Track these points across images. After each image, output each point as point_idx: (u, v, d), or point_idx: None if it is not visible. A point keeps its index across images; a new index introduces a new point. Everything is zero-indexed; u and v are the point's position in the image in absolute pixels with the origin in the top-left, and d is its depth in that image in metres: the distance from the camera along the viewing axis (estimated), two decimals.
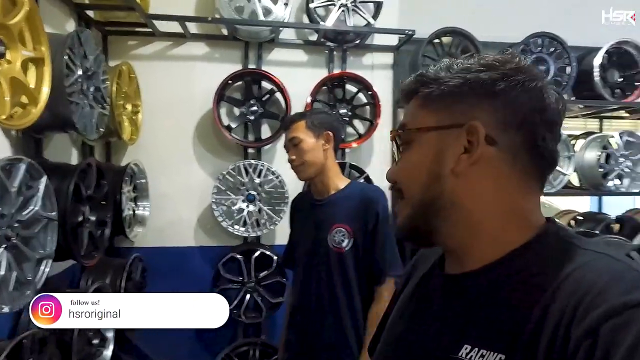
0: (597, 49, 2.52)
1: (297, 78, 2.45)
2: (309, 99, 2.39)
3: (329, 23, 2.36)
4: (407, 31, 2.36)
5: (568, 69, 2.53)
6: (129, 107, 2.15)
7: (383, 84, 2.54)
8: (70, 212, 1.40)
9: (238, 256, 2.33)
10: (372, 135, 2.48)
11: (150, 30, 2.26)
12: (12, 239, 1.19)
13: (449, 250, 0.60)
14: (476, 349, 0.49)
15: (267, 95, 2.40)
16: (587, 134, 2.84)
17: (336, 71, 2.49)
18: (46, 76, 1.30)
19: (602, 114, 3.03)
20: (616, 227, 2.73)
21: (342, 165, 2.35)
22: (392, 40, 2.53)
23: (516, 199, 0.54)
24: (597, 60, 2.49)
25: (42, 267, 1.30)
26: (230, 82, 2.35)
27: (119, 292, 1.86)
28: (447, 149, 0.54)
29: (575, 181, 2.70)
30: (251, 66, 2.44)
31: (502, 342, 0.47)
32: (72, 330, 1.36)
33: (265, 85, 2.43)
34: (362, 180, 2.40)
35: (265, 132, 2.47)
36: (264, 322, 2.39)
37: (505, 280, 0.51)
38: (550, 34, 2.54)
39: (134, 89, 2.22)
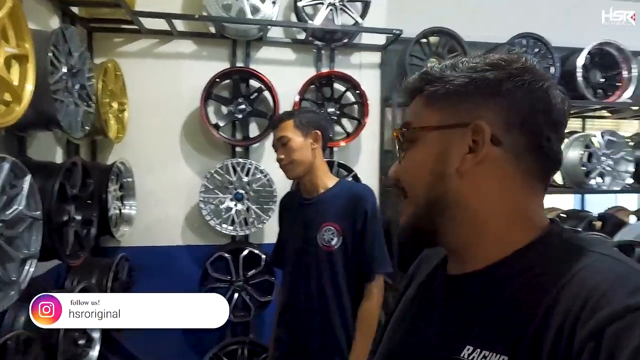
0: (580, 50, 2.57)
1: (285, 76, 2.45)
2: (297, 98, 2.39)
3: (317, 22, 2.37)
4: (394, 31, 2.37)
5: (552, 70, 2.58)
6: (115, 105, 2.13)
7: (371, 83, 2.55)
8: (55, 212, 1.38)
9: (226, 255, 2.33)
10: (360, 134, 2.49)
11: (136, 27, 2.24)
12: None
13: (452, 250, 0.59)
14: (478, 349, 0.49)
15: (255, 94, 2.40)
16: (570, 133, 2.90)
17: (324, 70, 2.50)
18: (30, 73, 1.28)
19: (584, 114, 3.10)
20: (598, 224, 2.80)
21: (331, 164, 2.36)
22: (380, 39, 2.55)
23: (520, 199, 0.53)
24: (580, 61, 2.54)
25: (26, 268, 1.28)
26: (218, 80, 2.34)
27: (106, 292, 1.84)
28: (451, 148, 0.54)
29: (559, 179, 2.75)
30: (239, 64, 2.43)
31: (505, 343, 0.47)
32: (57, 330, 1.34)
33: (253, 83, 2.42)
34: (350, 179, 2.42)
35: (254, 130, 2.46)
36: (253, 321, 2.39)
37: (508, 281, 0.51)
38: (535, 34, 2.58)
39: (120, 86, 2.19)
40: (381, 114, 2.61)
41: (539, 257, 0.51)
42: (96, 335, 1.69)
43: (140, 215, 2.30)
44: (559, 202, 3.40)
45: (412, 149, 0.58)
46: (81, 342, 1.61)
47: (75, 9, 2.02)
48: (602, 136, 2.58)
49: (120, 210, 2.17)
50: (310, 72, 2.48)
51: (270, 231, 2.48)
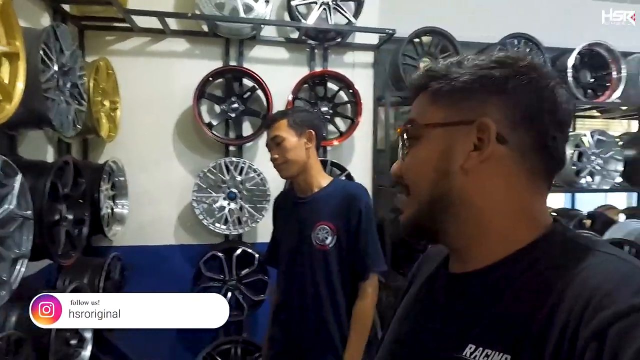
0: (571, 50, 2.60)
1: (279, 75, 2.45)
2: (290, 97, 2.39)
3: (310, 21, 2.37)
4: (387, 30, 2.38)
5: None
6: (107, 103, 2.12)
7: (364, 82, 2.56)
8: (46, 211, 1.37)
9: (219, 254, 2.32)
10: (353, 133, 2.50)
11: (128, 25, 2.23)
12: None
13: (454, 249, 0.59)
14: (480, 348, 0.48)
15: (249, 93, 2.39)
16: None
17: (317, 69, 2.50)
18: (21, 71, 1.27)
19: (574, 113, 3.13)
20: (588, 222, 2.83)
21: (324, 163, 2.36)
22: (373, 39, 2.55)
23: (526, 198, 0.53)
24: (570, 61, 2.57)
25: (17, 267, 1.27)
26: (211, 79, 2.33)
27: (98, 292, 1.83)
28: (456, 146, 0.53)
29: None
30: (232, 63, 2.42)
31: (508, 342, 0.47)
32: (49, 330, 1.33)
33: (247, 82, 2.42)
34: (343, 178, 2.42)
35: (247, 129, 2.46)
36: (246, 320, 2.39)
37: (511, 279, 0.50)
38: (526, 34, 2.61)
39: (112, 85, 2.18)
40: (374, 113, 2.61)
41: (542, 255, 0.50)
42: (88, 335, 1.68)
43: (132, 214, 2.29)
44: (550, 200, 3.44)
45: (416, 146, 0.57)
46: (73, 342, 1.60)
47: (66, 7, 2.00)
48: (592, 136, 2.61)
49: (112, 209, 2.15)
50: (304, 71, 2.49)
51: (263, 230, 2.48)
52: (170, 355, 2.40)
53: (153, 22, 2.25)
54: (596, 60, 2.72)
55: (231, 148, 2.45)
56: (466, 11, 2.78)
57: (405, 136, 0.59)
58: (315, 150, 1.54)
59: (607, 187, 2.68)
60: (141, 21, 2.24)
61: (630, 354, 0.37)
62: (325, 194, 1.52)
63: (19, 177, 1.26)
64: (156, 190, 2.38)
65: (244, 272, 2.34)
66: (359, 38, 2.58)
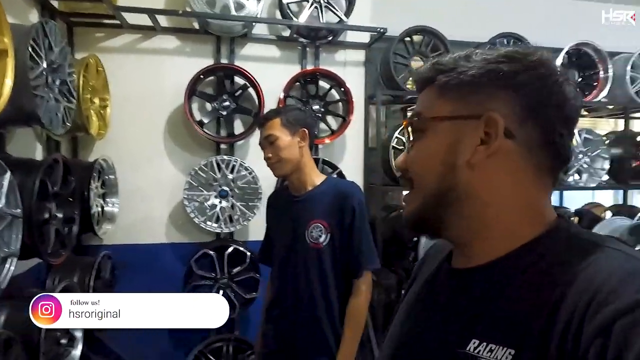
0: (559, 50, 2.64)
1: (270, 74, 2.44)
2: (282, 95, 2.39)
3: (302, 19, 2.37)
4: (379, 29, 2.39)
5: None
6: (96, 101, 2.10)
7: (355, 81, 2.57)
8: (35, 209, 1.36)
9: (211, 252, 2.32)
10: (345, 132, 2.51)
11: (118, 22, 2.21)
12: None
13: (458, 244, 0.58)
14: (484, 343, 0.48)
15: (240, 91, 2.39)
16: None
17: (309, 67, 2.50)
18: (9, 68, 1.26)
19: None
20: (575, 219, 2.88)
21: (315, 161, 2.36)
22: (364, 37, 2.56)
23: (532, 193, 0.53)
24: (558, 60, 2.61)
25: (6, 266, 1.25)
26: (202, 76, 2.32)
27: (88, 291, 1.81)
28: (463, 140, 0.53)
29: None
30: (223, 61, 2.42)
31: (512, 337, 0.46)
32: (39, 330, 1.32)
33: (238, 80, 2.41)
34: (334, 176, 2.43)
35: (238, 127, 2.46)
36: (238, 318, 2.39)
37: (515, 275, 0.50)
38: (515, 34, 2.64)
39: (101, 82, 2.16)
40: (365, 112, 2.63)
41: (547, 251, 0.50)
42: (79, 335, 1.66)
43: (123, 212, 2.28)
44: None
45: (422, 139, 0.57)
46: (63, 341, 1.59)
47: (55, 3, 1.98)
48: (579, 134, 2.65)
49: (102, 207, 2.14)
50: (295, 69, 2.49)
51: (255, 228, 2.48)
52: (162, 353, 2.39)
53: (143, 19, 2.23)
54: (584, 60, 2.76)
55: (222, 146, 2.44)
56: (457, 10, 2.80)
57: (411, 129, 0.58)
58: (308, 148, 1.55)
59: (594, 185, 2.72)
60: (131, 18, 2.22)
61: (637, 350, 0.37)
62: (318, 192, 1.52)
63: (8, 175, 1.24)
64: (147, 189, 2.37)
65: (235, 270, 2.34)
66: (351, 36, 2.58)
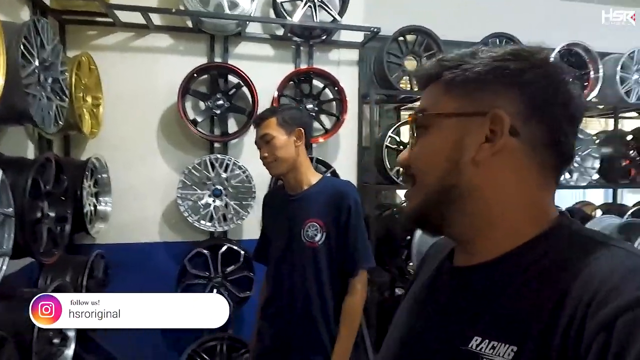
0: (551, 50, 2.66)
1: (264, 72, 2.44)
2: (275, 94, 2.39)
3: (296, 18, 2.37)
4: (372, 28, 2.40)
5: None
6: (89, 99, 2.09)
7: (349, 80, 2.57)
8: (28, 208, 1.35)
9: (204, 251, 2.31)
10: (339, 131, 2.52)
11: (111, 20, 2.20)
12: None
13: (460, 241, 0.58)
14: (487, 340, 0.48)
15: (234, 90, 2.39)
16: None
17: (303, 66, 2.50)
18: (0, 66, 1.25)
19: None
20: None
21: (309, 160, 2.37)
22: (358, 37, 2.57)
23: (535, 192, 0.53)
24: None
25: None
26: (195, 75, 2.31)
27: (80, 290, 1.81)
28: (467, 137, 0.53)
29: None
30: (217, 59, 2.41)
31: (514, 334, 0.46)
32: (32, 329, 1.31)
33: (232, 79, 2.41)
34: (328, 175, 2.44)
35: (232, 126, 2.45)
36: (231, 317, 2.38)
37: (517, 273, 0.50)
38: (507, 34, 2.66)
39: (94, 80, 2.15)
40: (359, 111, 2.63)
41: (549, 249, 0.50)
42: (71, 334, 1.66)
43: (116, 211, 2.27)
44: None
45: (426, 135, 0.56)
46: (56, 340, 1.58)
47: (46, 0, 1.96)
48: None
49: (95, 206, 2.13)
50: (289, 68, 2.49)
51: (249, 227, 2.48)
52: (155, 352, 2.38)
53: (136, 17, 2.22)
54: (575, 60, 2.79)
55: (216, 145, 2.44)
56: (450, 10, 2.82)
57: (415, 125, 0.58)
58: (304, 147, 1.55)
59: (584, 184, 2.76)
60: (124, 16, 2.21)
61: (639, 347, 0.37)
62: (314, 192, 1.53)
63: (0, 174, 1.24)
64: (140, 187, 2.36)
65: (229, 269, 2.34)
66: (344, 36, 2.59)
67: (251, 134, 2.42)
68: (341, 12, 2.47)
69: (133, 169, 2.34)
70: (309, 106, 2.49)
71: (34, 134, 1.86)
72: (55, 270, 1.80)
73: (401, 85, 2.53)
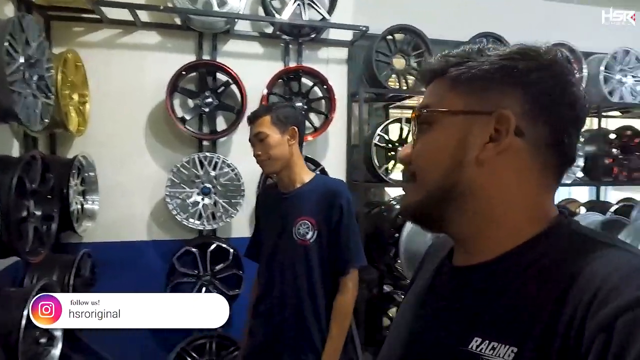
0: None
1: (253, 70, 2.44)
2: (265, 92, 2.40)
3: (285, 16, 2.37)
4: (361, 27, 2.41)
5: None
6: (75, 97, 2.07)
7: (338, 78, 2.58)
8: (13, 207, 1.34)
9: (193, 250, 2.31)
10: (328, 129, 2.52)
11: (97, 16, 2.17)
12: None
13: (459, 240, 0.58)
14: (487, 341, 0.48)
15: (223, 87, 2.38)
16: None
17: (292, 64, 2.51)
18: None
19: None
20: None
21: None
22: (347, 35, 2.58)
23: (537, 192, 0.53)
24: None
25: None
26: (184, 72, 2.30)
27: (68, 289, 1.79)
28: (471, 136, 0.52)
29: None
30: (205, 57, 2.40)
31: (514, 335, 0.46)
32: (17, 329, 1.30)
33: (221, 77, 2.40)
34: (317, 173, 2.44)
35: (221, 124, 2.45)
36: None
37: (517, 272, 0.50)
38: (494, 34, 2.69)
39: (80, 78, 2.13)
40: (348, 109, 2.65)
41: (549, 248, 0.50)
42: (58, 334, 1.64)
43: (103, 210, 2.25)
44: None
45: (429, 132, 0.55)
46: (42, 340, 1.57)
47: None
48: None
49: (82, 205, 2.11)
50: (278, 66, 2.49)
51: (238, 225, 2.48)
52: (144, 351, 2.37)
53: (123, 14, 2.20)
54: None
55: (205, 143, 2.43)
56: (440, 10, 2.84)
57: (417, 121, 0.57)
58: (298, 146, 1.56)
59: (569, 182, 2.81)
60: (111, 12, 2.19)
61: (638, 348, 0.37)
62: (307, 190, 1.54)
63: None
64: (128, 186, 2.34)
65: (218, 267, 2.34)
66: (333, 34, 2.60)
67: (240, 132, 2.42)
68: (330, 11, 2.48)
69: (121, 167, 2.32)
70: (298, 104, 2.50)
71: (19, 131, 1.84)
72: (42, 269, 1.78)
73: (390, 84, 2.54)
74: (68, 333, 1.71)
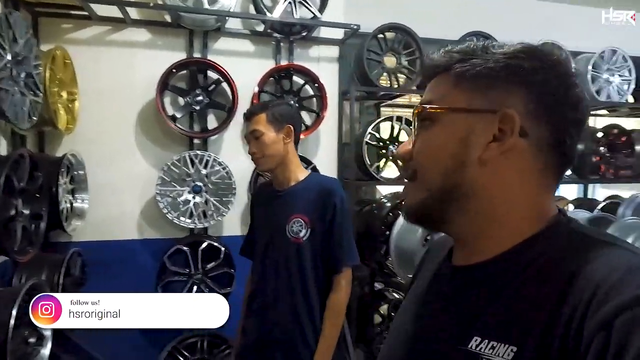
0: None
1: (244, 68, 2.44)
2: (256, 89, 2.39)
3: (276, 14, 2.37)
4: (352, 25, 2.42)
5: None
6: (64, 94, 2.05)
7: (329, 77, 2.59)
8: (1, 206, 1.33)
9: (184, 248, 2.30)
10: (319, 127, 2.53)
11: (86, 13, 2.15)
12: None
13: (460, 240, 0.58)
14: (486, 340, 0.48)
15: (213, 85, 2.37)
16: None
17: (283, 63, 2.51)
18: None
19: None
20: None
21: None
22: (338, 33, 2.59)
23: (539, 192, 0.53)
24: None
25: None
26: (174, 70, 2.29)
27: (57, 289, 1.78)
28: (474, 134, 0.52)
29: None
30: (196, 55, 2.39)
31: (514, 334, 0.46)
32: (5, 328, 1.29)
33: (212, 75, 2.39)
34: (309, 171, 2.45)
35: (212, 122, 2.44)
36: None
37: (516, 271, 0.50)
38: (484, 32, 2.71)
39: (69, 75, 2.11)
40: (339, 107, 2.65)
41: (548, 247, 0.50)
42: (47, 333, 1.63)
43: (93, 209, 2.23)
44: None
45: (431, 129, 0.55)
46: (31, 340, 1.55)
47: None
48: None
49: (71, 203, 2.09)
50: (269, 64, 2.49)
51: (229, 223, 2.48)
52: (135, 349, 2.36)
53: (113, 11, 2.18)
54: None
55: (196, 141, 2.42)
56: (430, 9, 2.86)
57: (419, 117, 0.56)
58: (293, 144, 1.56)
59: None
60: (100, 9, 2.17)
61: (637, 347, 0.37)
62: (301, 188, 1.54)
63: None
64: (118, 184, 2.33)
65: (209, 265, 2.34)
66: (324, 32, 2.60)
67: (231, 130, 2.42)
68: (321, 9, 2.48)
69: (110, 165, 2.31)
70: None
71: (7, 130, 1.82)
72: (30, 268, 1.76)
73: (381, 82, 2.56)
74: (57, 332, 1.70)
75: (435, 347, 0.54)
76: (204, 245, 2.33)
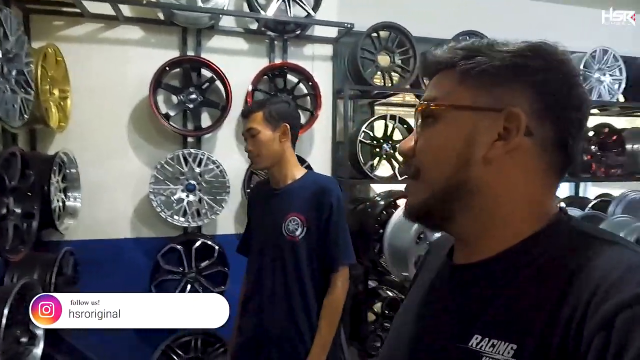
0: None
1: (238, 67, 2.43)
2: (249, 88, 2.39)
3: (270, 13, 2.36)
4: (346, 24, 2.42)
5: None
6: (56, 92, 2.03)
7: (323, 75, 2.59)
8: None
9: (178, 247, 2.30)
10: (313, 126, 2.53)
11: (78, 10, 2.13)
12: None
13: (461, 239, 0.57)
14: (487, 338, 0.48)
15: (207, 84, 2.36)
16: None
17: (277, 61, 2.50)
18: None
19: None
20: None
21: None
22: (332, 32, 2.59)
23: (542, 192, 0.53)
24: None
25: None
26: (167, 68, 2.28)
27: (49, 288, 1.77)
28: (479, 133, 0.51)
29: None
30: (190, 53, 2.38)
31: (514, 332, 0.46)
32: None
33: (205, 73, 2.38)
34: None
35: (205, 120, 2.43)
36: None
37: (517, 270, 0.50)
38: (477, 32, 2.72)
39: (61, 72, 2.09)
40: (333, 106, 2.65)
41: (548, 245, 0.50)
42: (40, 332, 1.62)
43: (86, 207, 2.22)
44: None
45: (434, 126, 0.54)
46: (23, 339, 1.55)
47: None
48: None
49: (64, 202, 2.08)
50: (263, 62, 2.48)
51: (223, 222, 2.47)
52: (129, 348, 2.35)
53: (105, 8, 2.16)
54: None
55: (189, 139, 2.41)
56: (424, 7, 2.87)
57: (422, 114, 0.55)
58: (290, 143, 1.56)
59: None
60: (92, 6, 2.15)
61: (638, 346, 0.37)
62: (297, 186, 1.55)
63: None
64: (111, 183, 2.31)
65: (203, 264, 2.33)
66: (318, 31, 2.60)
67: (225, 128, 2.42)
68: (315, 8, 2.48)
69: (103, 163, 2.29)
70: None
71: None
72: (22, 267, 1.75)
73: (375, 81, 2.56)
74: (50, 332, 1.69)
75: (436, 345, 0.55)
76: (198, 243, 2.32)
